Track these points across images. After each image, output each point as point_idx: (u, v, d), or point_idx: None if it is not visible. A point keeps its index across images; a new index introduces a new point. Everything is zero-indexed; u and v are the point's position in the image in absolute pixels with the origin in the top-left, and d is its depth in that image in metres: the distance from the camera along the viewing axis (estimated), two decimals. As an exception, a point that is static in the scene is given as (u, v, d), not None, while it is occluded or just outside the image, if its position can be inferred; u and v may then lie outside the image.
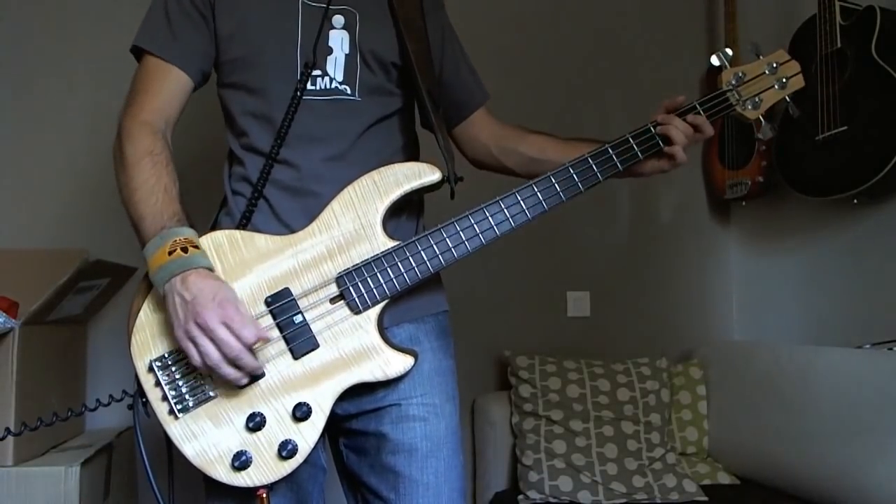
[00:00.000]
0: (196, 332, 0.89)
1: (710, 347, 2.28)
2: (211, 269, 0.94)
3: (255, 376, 0.94)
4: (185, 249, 0.92)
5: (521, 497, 1.90)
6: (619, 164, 1.06)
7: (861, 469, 1.60)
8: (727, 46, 2.27)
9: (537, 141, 1.20)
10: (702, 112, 1.09)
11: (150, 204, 0.95)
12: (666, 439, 2.00)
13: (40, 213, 1.94)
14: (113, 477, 1.71)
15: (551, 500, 1.86)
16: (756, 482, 1.95)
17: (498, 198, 1.02)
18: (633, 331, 2.42)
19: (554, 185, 1.03)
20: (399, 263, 0.99)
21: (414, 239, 1.00)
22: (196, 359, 0.90)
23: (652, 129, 1.08)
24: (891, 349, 1.75)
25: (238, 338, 0.89)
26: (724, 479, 1.98)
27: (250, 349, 0.91)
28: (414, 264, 0.99)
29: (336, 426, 1.07)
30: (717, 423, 2.10)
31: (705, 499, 1.84)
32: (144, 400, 0.95)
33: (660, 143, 1.08)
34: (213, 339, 0.88)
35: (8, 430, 0.94)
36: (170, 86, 1.05)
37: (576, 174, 1.04)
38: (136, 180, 0.97)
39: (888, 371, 1.62)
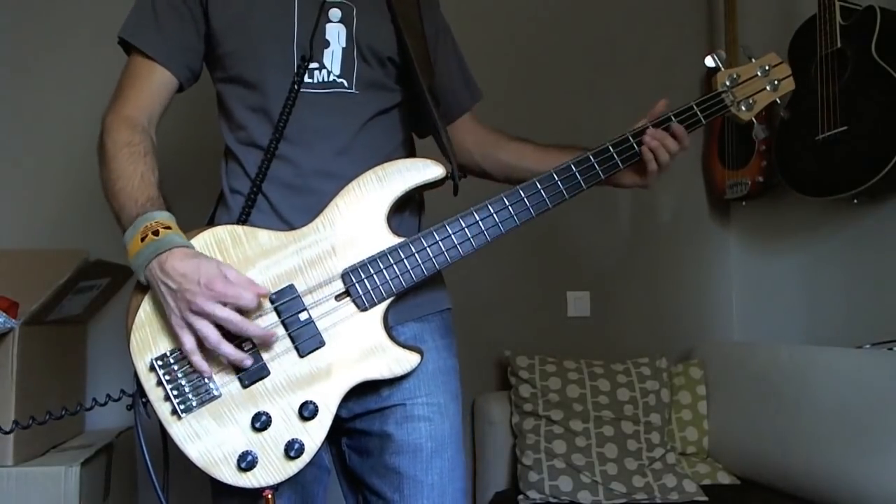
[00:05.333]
0: (193, 319, 0.88)
1: (710, 347, 2.28)
2: (187, 247, 0.92)
3: (260, 376, 0.93)
4: (156, 233, 0.90)
5: (521, 497, 1.90)
6: (600, 173, 1.06)
7: (861, 469, 1.60)
8: (727, 46, 2.29)
9: (517, 148, 1.21)
10: (674, 120, 1.10)
11: (126, 192, 0.94)
12: (666, 439, 2.00)
13: (40, 213, 1.94)
14: (113, 477, 1.71)
15: (551, 500, 1.86)
16: (756, 482, 1.95)
17: (502, 194, 1.02)
18: (633, 331, 2.42)
19: (557, 182, 1.04)
20: (405, 260, 0.98)
21: (419, 235, 0.99)
22: (189, 346, 0.89)
23: (630, 138, 1.08)
24: (891, 349, 1.75)
25: (237, 309, 0.88)
26: (724, 479, 1.98)
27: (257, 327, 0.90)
28: (420, 261, 0.98)
29: (339, 426, 1.06)
30: (717, 423, 2.10)
31: (705, 499, 1.84)
32: (145, 400, 0.93)
33: (638, 152, 1.08)
34: (214, 320, 0.88)
35: (-1, 427, 0.93)
36: (153, 84, 1.05)
37: (561, 181, 1.04)
38: (115, 172, 0.96)
39: (888, 371, 1.62)
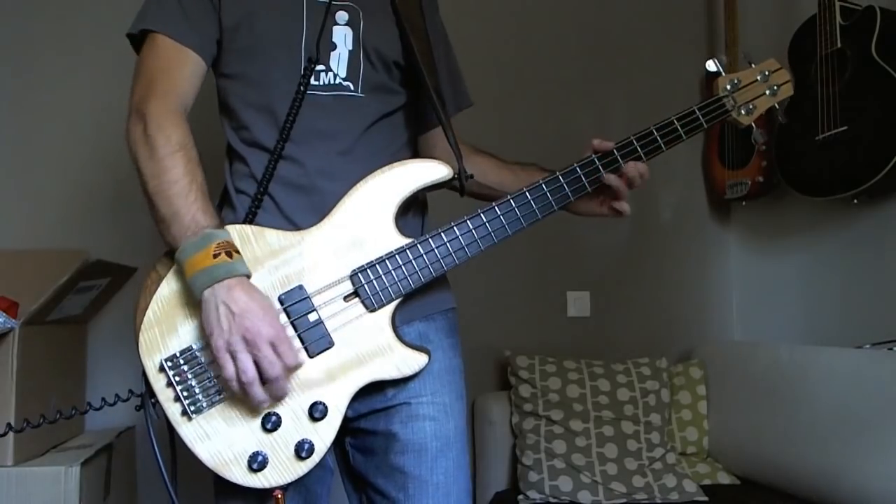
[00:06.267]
0: (239, 346, 0.87)
1: (710, 347, 2.28)
2: (249, 277, 0.92)
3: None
4: (229, 254, 0.90)
5: (521, 497, 1.90)
6: (570, 194, 1.04)
7: (861, 469, 1.60)
8: (727, 47, 2.28)
9: (480, 163, 1.20)
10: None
11: (190, 201, 0.92)
12: (666, 439, 2.00)
13: (40, 213, 1.94)
14: (113, 477, 1.71)
15: (551, 500, 1.86)
16: (756, 482, 1.95)
17: (509, 196, 1.02)
18: (633, 331, 2.42)
19: (563, 184, 1.04)
20: (413, 261, 0.98)
21: (427, 236, 0.99)
22: (230, 372, 0.88)
23: (596, 160, 1.06)
24: (891, 349, 1.75)
25: (282, 358, 0.88)
26: (724, 479, 1.98)
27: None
28: (428, 262, 0.99)
29: (343, 426, 1.06)
30: (717, 423, 2.10)
31: (705, 499, 1.84)
32: (154, 401, 0.93)
33: (601, 177, 1.06)
34: (257, 357, 0.87)
35: (9, 425, 0.93)
36: (187, 71, 1.02)
37: (566, 182, 1.05)
38: (172, 173, 0.93)
39: (888, 371, 1.62)
